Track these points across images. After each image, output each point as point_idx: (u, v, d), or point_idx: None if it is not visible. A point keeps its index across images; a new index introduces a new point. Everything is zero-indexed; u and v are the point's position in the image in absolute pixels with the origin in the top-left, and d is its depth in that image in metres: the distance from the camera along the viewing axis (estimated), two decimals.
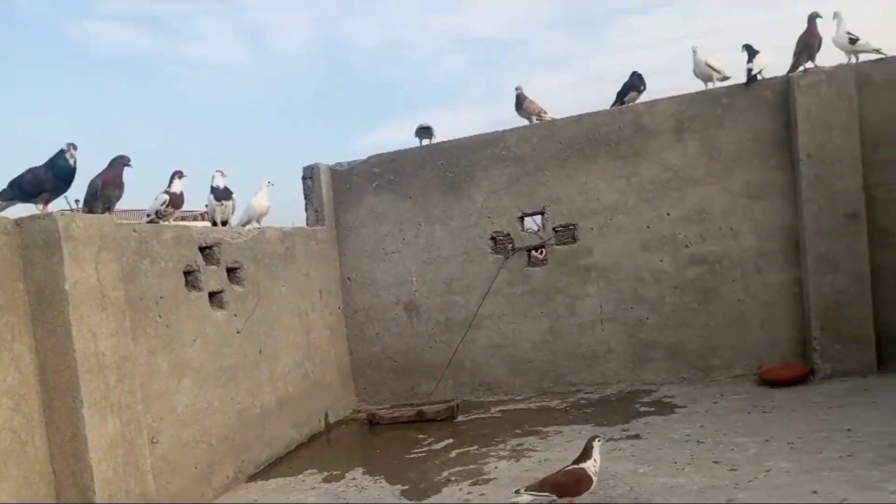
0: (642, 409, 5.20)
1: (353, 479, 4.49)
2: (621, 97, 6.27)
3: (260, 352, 5.12)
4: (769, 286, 5.65)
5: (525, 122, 6.45)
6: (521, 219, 6.24)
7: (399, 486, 4.20)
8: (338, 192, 6.73)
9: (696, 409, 4.97)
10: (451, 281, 6.40)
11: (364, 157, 6.71)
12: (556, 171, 6.11)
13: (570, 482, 3.33)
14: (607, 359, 6.02)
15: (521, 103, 6.50)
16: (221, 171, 5.45)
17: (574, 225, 6.08)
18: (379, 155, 6.67)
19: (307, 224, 6.58)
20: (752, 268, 5.69)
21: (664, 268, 5.88)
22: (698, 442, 4.22)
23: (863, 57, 5.42)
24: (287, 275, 5.67)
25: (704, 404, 5.06)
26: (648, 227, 5.90)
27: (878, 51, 5.36)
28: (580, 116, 6.11)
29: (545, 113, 6.45)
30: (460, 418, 5.67)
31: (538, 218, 6.23)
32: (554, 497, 3.29)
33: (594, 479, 3.35)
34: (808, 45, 5.49)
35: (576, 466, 3.40)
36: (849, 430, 3.98)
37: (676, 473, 3.74)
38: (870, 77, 5.28)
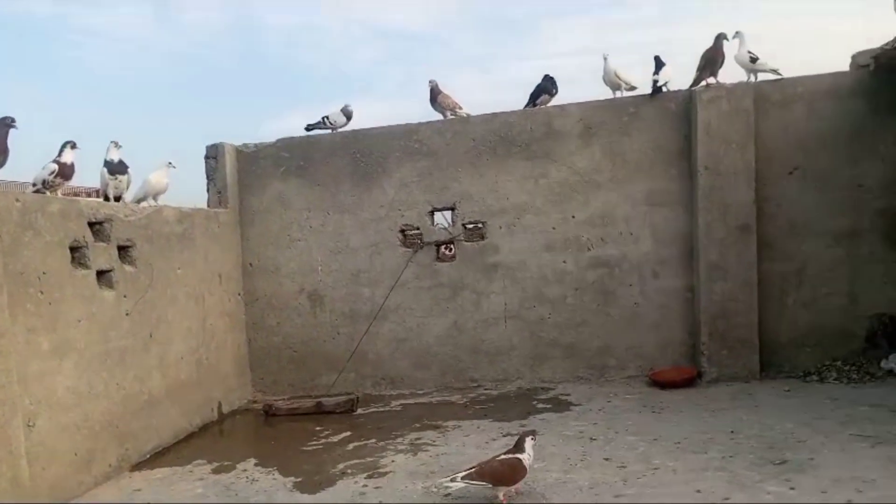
0: (539, 405, 5.30)
1: (245, 470, 4.34)
2: (533, 99, 6.35)
3: (151, 336, 4.86)
4: (664, 291, 5.89)
5: (439, 116, 6.43)
6: (432, 213, 6.23)
7: (292, 479, 4.10)
8: (243, 174, 6.49)
9: (591, 407, 5.11)
10: (358, 272, 6.31)
11: (273, 139, 6.52)
12: (467, 167, 6.13)
13: (507, 472, 3.36)
14: (509, 356, 6.10)
15: (435, 97, 6.45)
16: (116, 143, 5.12)
17: (483, 222, 6.13)
18: (289, 139, 6.49)
19: (208, 206, 6.31)
20: (649, 272, 5.91)
21: (567, 268, 6.01)
22: (591, 439, 4.33)
23: (761, 76, 5.71)
24: (184, 257, 5.41)
25: (598, 403, 5.21)
26: (554, 228, 6.02)
27: (775, 71, 5.67)
28: (494, 115, 6.15)
29: (460, 108, 6.44)
30: (360, 411, 5.60)
31: (448, 213, 6.23)
32: (489, 485, 3.32)
33: (527, 470, 3.40)
34: (711, 60, 5.74)
35: (511, 456, 3.43)
36: (732, 431, 4.19)
37: (569, 469, 3.82)
38: (767, 96, 5.59)
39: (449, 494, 3.51)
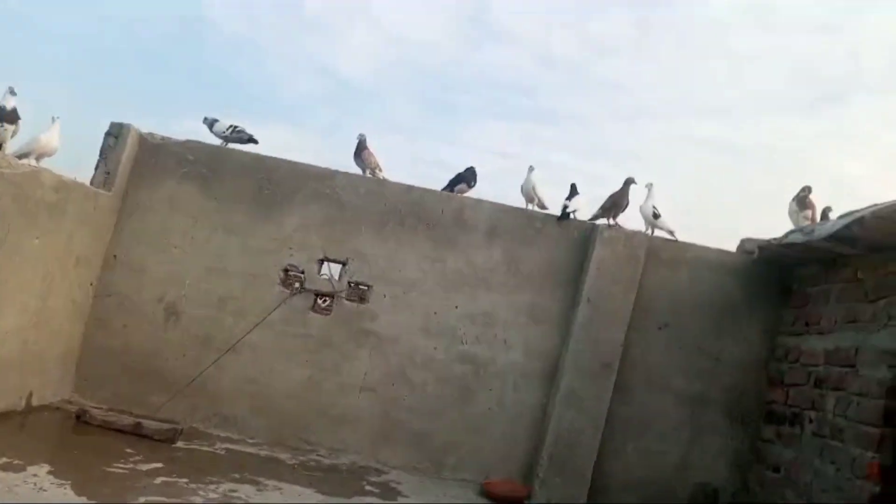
0: (368, 487, 5.14)
1: (35, 475, 3.89)
2: (452, 185, 6.47)
3: None
4: (520, 404, 5.96)
5: (359, 170, 6.40)
6: (322, 262, 6.09)
7: (85, 499, 3.71)
8: (139, 163, 6.12)
9: (417, 502, 5.01)
10: (227, 298, 6.00)
11: (183, 138, 6.24)
12: (371, 228, 6.08)
13: None
14: (354, 427, 5.91)
15: (360, 152, 6.44)
16: (12, 90, 4.72)
17: (370, 286, 6.04)
18: (199, 143, 6.22)
19: (91, 184, 5.88)
20: (511, 383, 5.98)
21: (436, 356, 5.99)
22: None
23: (658, 232, 6.10)
24: (48, 228, 4.97)
25: (427, 499, 5.12)
26: (436, 313, 6.03)
27: (671, 232, 6.09)
28: (411, 187, 6.19)
29: (380, 170, 6.45)
30: (181, 444, 5.20)
31: (338, 268, 6.11)
32: None
33: None
34: (616, 204, 6.08)
35: None
36: None
37: None
38: (658, 252, 5.95)
39: None
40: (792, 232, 5.39)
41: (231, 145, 6.31)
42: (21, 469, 3.94)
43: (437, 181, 6.49)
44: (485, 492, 5.57)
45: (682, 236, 6.12)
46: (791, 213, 5.71)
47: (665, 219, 6.11)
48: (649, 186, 6.20)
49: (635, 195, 6.18)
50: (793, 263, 5.75)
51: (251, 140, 6.33)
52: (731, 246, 6.22)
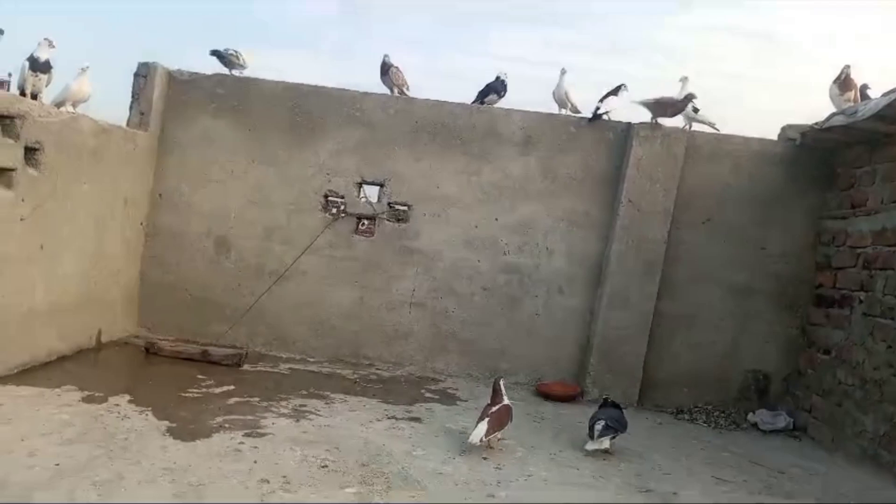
0: (427, 395, 5.36)
1: (117, 405, 4.13)
2: (482, 97, 6.37)
3: (42, 247, 4.54)
4: (566, 308, 6.07)
5: (387, 90, 6.35)
6: (360, 185, 6.15)
7: (166, 423, 3.93)
8: (171, 101, 6.16)
9: (477, 405, 5.15)
10: (272, 228, 6.14)
11: (210, 72, 6.23)
12: (405, 148, 6.09)
13: (506, 418, 4.18)
14: (407, 341, 6.12)
15: (386, 71, 6.36)
16: (50, 42, 4.75)
17: (409, 205, 6.11)
18: (227, 75, 6.22)
19: (128, 125, 5.95)
20: (556, 288, 6.08)
21: (481, 268, 6.09)
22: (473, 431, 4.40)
23: (697, 126, 5.98)
24: (93, 172, 5.08)
25: (484, 401, 5.24)
26: (476, 226, 6.09)
27: (712, 125, 5.95)
28: (441, 103, 6.14)
29: (407, 88, 6.39)
30: (247, 367, 5.46)
31: (376, 189, 6.17)
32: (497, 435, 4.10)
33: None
34: (670, 105, 5.86)
35: (503, 404, 4.21)
36: (605, 450, 4.37)
37: (447, 461, 3.88)
38: (698, 147, 5.87)
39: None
40: (834, 115, 5.26)
41: (256, 75, 6.28)
42: (103, 400, 4.18)
43: (458, 94, 6.43)
44: (539, 392, 5.76)
45: (719, 128, 5.99)
46: (833, 97, 5.53)
47: (704, 113, 5.96)
48: (684, 80, 6.03)
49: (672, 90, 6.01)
50: (836, 147, 5.64)
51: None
52: (772, 134, 6.10)
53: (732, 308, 5.88)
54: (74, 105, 5.38)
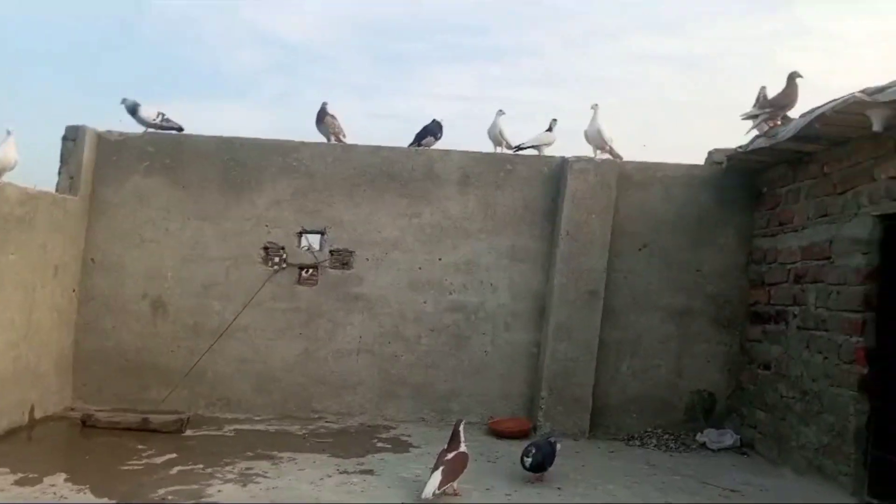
0: (379, 444, 5.27)
1: (52, 485, 3.95)
2: (419, 139, 6.46)
3: None
4: (513, 343, 6.10)
5: (322, 138, 6.36)
6: (301, 234, 6.11)
7: (105, 500, 3.77)
8: (102, 162, 6.05)
9: (430, 450, 5.12)
10: (211, 284, 6.02)
11: (140, 131, 6.14)
12: (344, 195, 6.09)
13: (460, 467, 4.12)
14: (356, 390, 6.03)
15: (322, 118, 6.37)
16: None
17: (351, 252, 6.08)
18: (158, 133, 6.15)
19: (57, 190, 5.81)
20: (502, 323, 6.11)
21: (426, 309, 6.08)
22: (426, 483, 4.33)
23: (602, 155, 6.12)
24: (20, 242, 4.93)
25: (437, 446, 5.17)
26: (420, 268, 6.09)
27: (618, 155, 6.12)
28: (378, 148, 6.18)
29: (343, 136, 6.41)
30: (189, 433, 5.28)
31: (317, 238, 6.13)
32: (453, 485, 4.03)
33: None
34: (782, 104, 5.57)
35: (458, 452, 4.18)
36: (559, 488, 4.36)
37: None
38: (629, 175, 6.03)
39: None
40: (756, 137, 5.47)
41: (189, 130, 6.21)
42: (37, 481, 3.99)
43: (397, 134, 6.51)
44: (491, 430, 5.74)
45: (650, 156, 6.19)
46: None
47: (609, 136, 6.11)
48: (595, 108, 6.17)
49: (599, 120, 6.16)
50: (761, 167, 5.86)
51: (180, 129, 6.20)
52: (702, 159, 6.30)
53: (673, 331, 5.99)
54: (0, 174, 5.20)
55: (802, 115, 4.80)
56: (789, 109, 5.49)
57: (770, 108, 5.55)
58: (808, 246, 5.16)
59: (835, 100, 4.43)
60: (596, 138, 6.12)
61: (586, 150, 6.16)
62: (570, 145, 6.27)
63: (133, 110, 6.09)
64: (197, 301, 6.01)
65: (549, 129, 6.38)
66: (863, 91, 4.09)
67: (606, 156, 6.14)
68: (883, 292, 4.38)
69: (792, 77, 5.53)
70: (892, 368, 4.26)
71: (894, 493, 4.13)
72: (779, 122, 5.42)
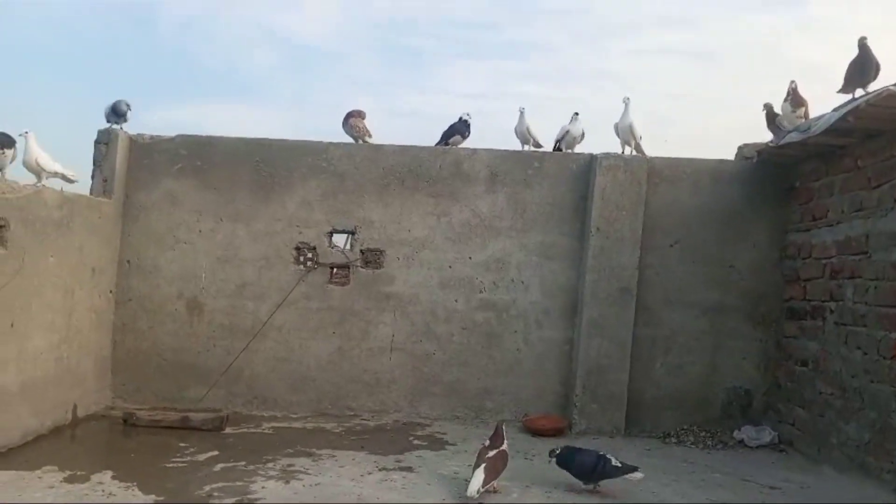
0: (416, 441, 5.30)
1: (100, 482, 4.01)
2: (446, 138, 6.47)
3: (12, 325, 4.43)
4: (545, 341, 6.10)
5: (347, 138, 6.39)
6: (331, 234, 6.15)
7: (153, 497, 3.83)
8: (134, 165, 6.12)
9: (466, 448, 5.16)
10: (244, 284, 6.08)
11: (171, 134, 6.20)
12: (373, 194, 6.12)
13: (502, 465, 4.10)
14: (390, 388, 6.07)
15: (348, 118, 6.40)
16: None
17: (382, 251, 6.11)
18: (189, 136, 6.21)
19: (91, 193, 5.89)
20: (534, 321, 6.11)
21: (458, 307, 6.10)
22: (465, 480, 4.34)
23: (628, 151, 6.12)
24: (59, 245, 5.01)
25: (473, 444, 5.23)
26: (451, 266, 6.11)
27: (643, 152, 6.08)
28: (406, 148, 6.20)
29: (369, 136, 6.44)
30: (229, 430, 5.34)
31: (348, 237, 6.17)
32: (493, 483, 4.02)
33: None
34: (864, 68, 4.81)
35: (499, 450, 4.14)
36: (598, 485, 4.35)
37: None
38: (659, 171, 6.00)
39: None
40: (789, 131, 5.43)
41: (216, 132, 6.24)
42: (85, 479, 4.06)
43: (414, 132, 6.56)
44: (526, 428, 5.74)
45: (673, 151, 6.16)
46: (786, 115, 5.70)
47: (640, 135, 6.09)
48: (626, 101, 6.09)
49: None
50: (793, 162, 5.82)
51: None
52: (728, 152, 6.29)
53: (707, 327, 5.96)
54: (39, 177, 5.27)
55: (835, 109, 4.76)
56: (871, 80, 4.69)
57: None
58: (843, 241, 5.12)
59: (868, 93, 4.40)
60: (626, 133, 6.10)
61: (606, 145, 6.10)
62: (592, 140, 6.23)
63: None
64: (231, 301, 6.07)
65: (572, 123, 6.35)
66: None
67: (633, 151, 6.12)
68: None
69: (862, 43, 4.76)
70: None
71: None
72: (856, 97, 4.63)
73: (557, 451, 4.31)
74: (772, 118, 5.74)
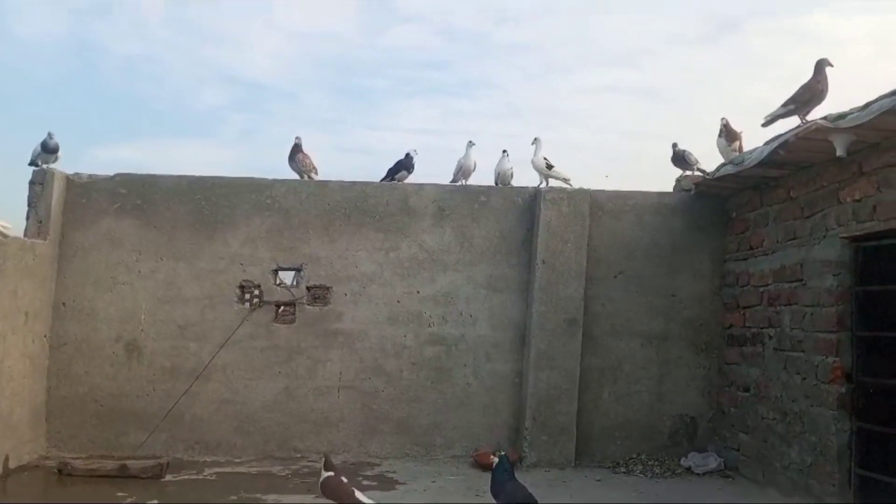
0: (365, 482, 5.19)
1: None
2: (392, 174, 6.50)
3: None
4: (495, 374, 6.09)
5: (293, 174, 6.35)
6: (276, 272, 6.06)
7: None
8: (71, 205, 5.95)
9: (416, 487, 5.09)
10: (186, 325, 5.92)
11: (110, 173, 6.07)
12: (319, 231, 6.07)
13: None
14: (338, 427, 5.95)
15: (294, 155, 6.39)
16: None
17: (329, 287, 6.05)
18: (128, 175, 6.09)
19: (25, 235, 5.69)
20: (483, 354, 6.10)
21: (407, 343, 6.06)
22: None
23: (553, 182, 6.30)
24: None
25: (423, 482, 5.21)
26: (399, 301, 6.08)
27: (566, 180, 6.30)
28: (352, 183, 6.20)
29: (315, 172, 6.42)
30: (169, 478, 5.14)
31: (293, 274, 6.09)
32: None
33: None
34: (814, 94, 4.88)
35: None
36: None
37: None
38: (601, 204, 6.12)
39: None
40: (723, 165, 5.62)
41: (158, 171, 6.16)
42: None
43: (364, 168, 6.58)
44: (477, 463, 5.69)
45: (619, 185, 6.34)
46: (721, 149, 5.92)
47: (558, 168, 6.31)
48: (537, 141, 6.35)
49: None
50: (729, 193, 6.01)
51: None
52: (666, 186, 6.45)
53: (653, 356, 6.05)
54: None
55: (767, 143, 4.94)
56: (817, 104, 4.75)
57: (793, 105, 4.86)
58: (779, 269, 5.27)
59: (798, 126, 4.58)
60: (541, 167, 6.31)
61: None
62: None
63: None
64: (173, 343, 5.90)
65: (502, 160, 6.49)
66: (825, 118, 4.25)
67: (557, 182, 6.29)
68: (859, 311, 4.47)
69: (820, 66, 4.83)
70: (873, 387, 4.34)
71: None
72: (806, 120, 4.69)
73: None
74: (680, 156, 6.19)
